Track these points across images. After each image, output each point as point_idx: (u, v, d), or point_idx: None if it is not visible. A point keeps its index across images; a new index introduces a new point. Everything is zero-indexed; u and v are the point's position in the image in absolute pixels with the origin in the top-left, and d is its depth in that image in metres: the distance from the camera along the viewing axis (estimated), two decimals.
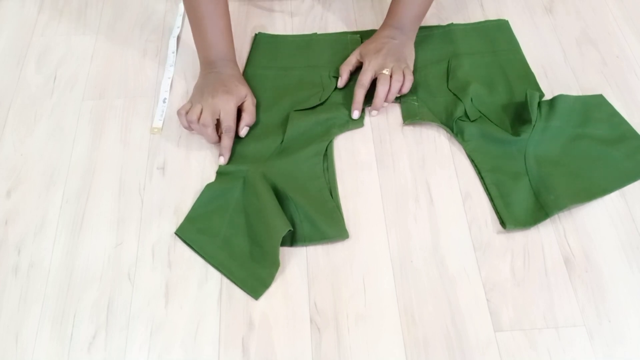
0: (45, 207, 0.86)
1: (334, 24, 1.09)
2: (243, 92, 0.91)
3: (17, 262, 0.81)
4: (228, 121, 0.88)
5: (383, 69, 0.92)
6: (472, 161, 0.89)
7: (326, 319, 0.75)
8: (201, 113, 0.88)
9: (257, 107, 0.95)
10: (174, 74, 1.02)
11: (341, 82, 0.97)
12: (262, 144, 0.91)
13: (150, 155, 0.91)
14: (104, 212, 0.85)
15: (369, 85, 0.93)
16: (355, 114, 0.93)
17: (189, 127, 0.90)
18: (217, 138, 0.90)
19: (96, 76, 1.02)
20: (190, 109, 0.89)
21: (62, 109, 0.98)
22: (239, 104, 0.91)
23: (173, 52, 1.05)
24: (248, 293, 0.77)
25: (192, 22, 0.92)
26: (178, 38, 1.07)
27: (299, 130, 0.91)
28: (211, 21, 0.90)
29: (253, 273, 0.78)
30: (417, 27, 0.99)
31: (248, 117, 0.91)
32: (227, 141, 0.89)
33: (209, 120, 0.87)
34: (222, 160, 0.88)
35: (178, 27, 1.09)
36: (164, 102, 0.97)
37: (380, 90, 0.91)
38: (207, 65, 0.93)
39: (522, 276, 0.78)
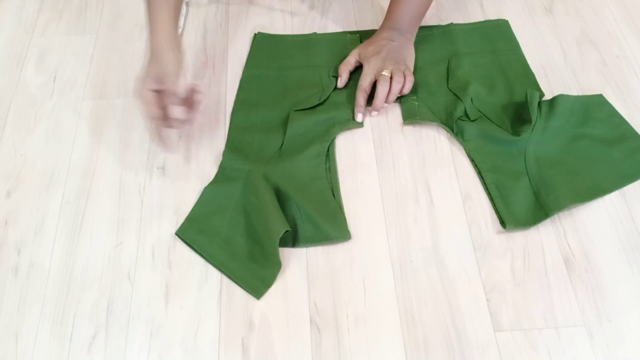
0: (45, 208, 0.86)
1: (334, 23, 1.09)
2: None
3: (17, 262, 0.81)
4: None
5: (382, 71, 0.92)
6: (472, 161, 0.88)
7: (326, 319, 0.75)
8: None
9: (258, 107, 0.95)
10: None
11: (341, 83, 0.97)
12: (263, 144, 0.91)
13: (150, 155, 0.91)
14: (104, 213, 0.85)
15: (369, 89, 0.93)
16: (359, 117, 0.93)
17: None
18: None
19: (96, 76, 1.02)
20: None
21: (62, 109, 0.98)
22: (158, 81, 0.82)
23: None
24: (249, 293, 0.77)
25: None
26: None
27: (299, 131, 0.91)
28: None
29: (254, 273, 0.78)
30: (416, 29, 0.99)
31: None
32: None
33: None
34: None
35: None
36: None
37: (381, 92, 0.91)
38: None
39: (522, 276, 0.78)
